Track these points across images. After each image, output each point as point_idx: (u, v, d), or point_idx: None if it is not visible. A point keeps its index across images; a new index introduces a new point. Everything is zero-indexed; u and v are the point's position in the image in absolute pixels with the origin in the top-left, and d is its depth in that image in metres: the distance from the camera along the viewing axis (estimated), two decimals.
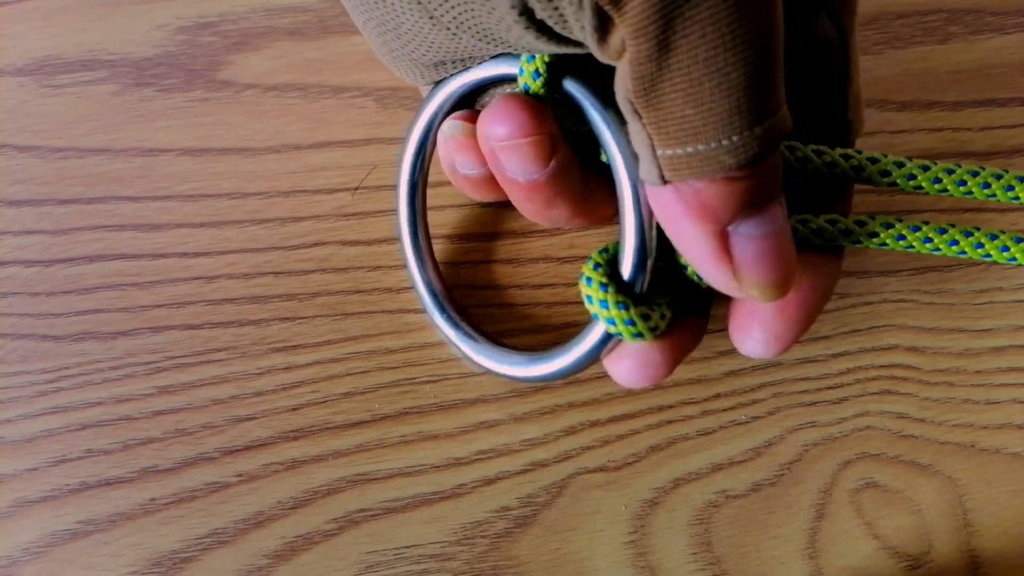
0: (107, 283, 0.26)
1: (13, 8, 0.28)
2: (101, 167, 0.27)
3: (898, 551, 0.26)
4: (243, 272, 0.26)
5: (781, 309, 0.20)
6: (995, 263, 0.22)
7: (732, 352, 0.27)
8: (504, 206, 0.26)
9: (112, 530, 0.25)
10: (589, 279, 0.20)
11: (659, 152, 0.16)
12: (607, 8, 0.15)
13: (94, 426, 0.25)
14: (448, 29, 0.18)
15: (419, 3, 0.18)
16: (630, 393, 0.26)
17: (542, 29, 0.17)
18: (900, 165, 0.21)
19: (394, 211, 0.25)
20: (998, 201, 0.21)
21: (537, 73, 0.19)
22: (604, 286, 0.20)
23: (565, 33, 0.17)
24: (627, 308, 0.20)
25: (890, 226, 0.21)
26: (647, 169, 0.17)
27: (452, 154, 0.21)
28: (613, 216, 0.21)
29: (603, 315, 0.20)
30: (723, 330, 0.27)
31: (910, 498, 0.26)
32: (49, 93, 0.27)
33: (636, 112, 0.16)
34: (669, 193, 0.17)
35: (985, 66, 0.30)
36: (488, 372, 0.24)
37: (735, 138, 0.16)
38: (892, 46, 0.30)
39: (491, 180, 0.21)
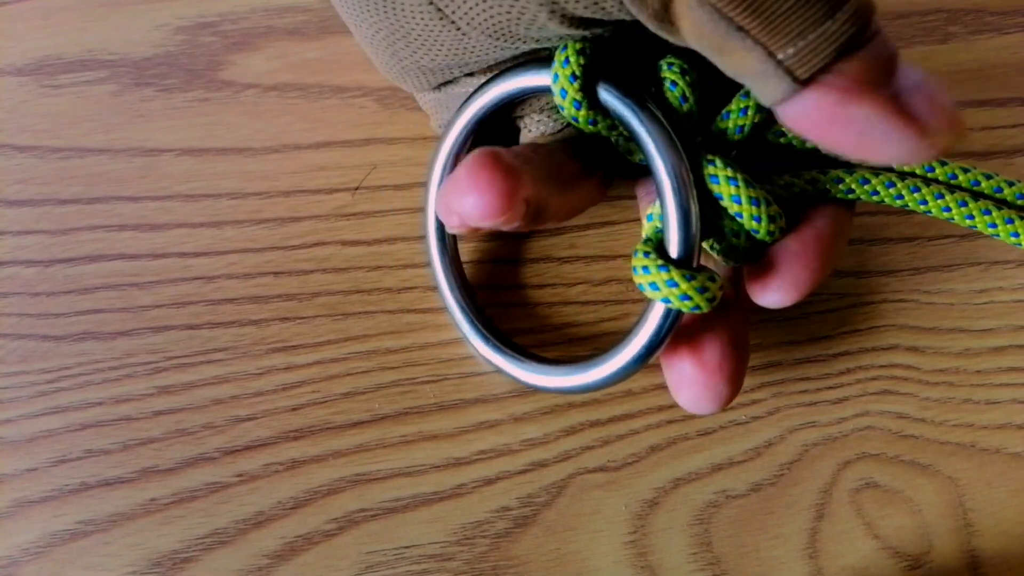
0: (107, 283, 0.26)
1: (13, 8, 0.28)
2: (101, 167, 0.27)
3: (898, 551, 0.26)
4: (243, 272, 0.26)
5: (800, 256, 0.20)
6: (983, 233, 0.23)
7: None
8: None
9: (112, 530, 0.25)
10: (646, 268, 0.20)
11: (781, 56, 0.16)
12: None
13: (94, 426, 0.25)
14: (459, 29, 0.18)
15: (431, 3, 0.18)
16: (630, 393, 0.26)
17: (566, 14, 0.16)
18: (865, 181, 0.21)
19: (424, 235, 0.25)
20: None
21: (574, 76, 0.19)
22: (663, 267, 0.20)
23: (598, 15, 0.16)
24: (692, 279, 0.20)
25: (878, 174, 0.22)
26: (775, 85, 0.16)
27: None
28: (601, 196, 0.22)
29: (668, 293, 0.20)
30: None
31: (910, 498, 0.26)
32: (49, 93, 0.27)
33: (740, 28, 0.16)
34: (813, 96, 0.16)
35: (985, 66, 0.29)
36: (539, 389, 0.24)
37: (840, 13, 0.15)
38: None
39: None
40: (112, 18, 0.28)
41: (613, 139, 0.21)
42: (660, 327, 0.21)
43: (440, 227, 0.24)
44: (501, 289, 0.27)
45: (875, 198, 0.22)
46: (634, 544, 0.25)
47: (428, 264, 0.25)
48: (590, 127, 0.21)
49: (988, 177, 0.23)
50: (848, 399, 0.27)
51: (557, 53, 0.19)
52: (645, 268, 0.20)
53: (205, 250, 0.27)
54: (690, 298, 0.20)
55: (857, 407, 0.27)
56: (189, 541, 0.25)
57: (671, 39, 0.17)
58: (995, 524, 0.26)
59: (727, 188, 0.20)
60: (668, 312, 0.20)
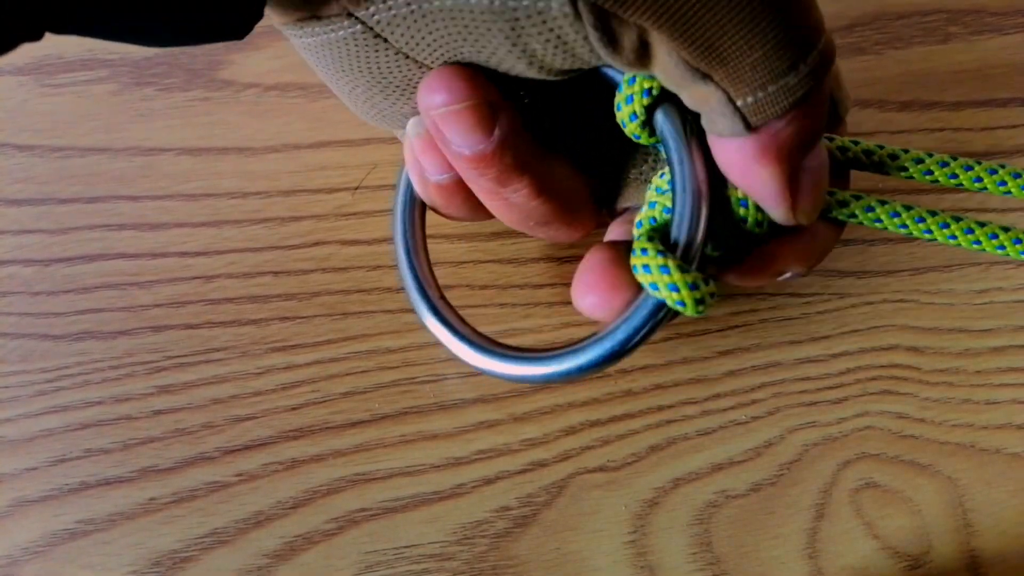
0: (107, 282, 0.26)
1: None
2: (101, 166, 0.27)
3: (898, 551, 0.26)
4: (243, 272, 0.26)
5: (797, 255, 0.21)
6: (982, 251, 0.22)
7: (732, 352, 0.27)
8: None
9: (112, 529, 0.25)
10: (645, 249, 0.20)
11: (739, 103, 0.16)
12: (610, 7, 0.15)
13: (94, 425, 0.25)
14: None
15: (407, 56, 0.18)
16: (630, 393, 0.26)
17: (533, 60, 0.17)
18: (894, 157, 0.21)
19: (392, 209, 0.24)
20: (988, 193, 0.21)
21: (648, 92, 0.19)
22: (662, 252, 0.19)
23: (571, 64, 0.17)
24: (687, 274, 0.19)
25: (884, 203, 0.21)
26: (727, 124, 0.17)
27: (419, 157, 0.21)
28: (594, 225, 0.21)
29: (664, 281, 0.19)
30: (723, 330, 0.27)
31: (910, 498, 0.26)
32: (49, 92, 0.27)
33: (705, 75, 0.16)
34: (748, 142, 0.17)
35: (985, 66, 0.29)
36: (520, 380, 0.22)
37: (803, 65, 0.16)
38: (892, 46, 0.30)
39: (461, 187, 0.21)
40: None
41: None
42: (644, 322, 0.20)
43: (407, 206, 0.23)
44: (501, 289, 0.27)
45: (878, 225, 0.22)
46: (634, 544, 0.25)
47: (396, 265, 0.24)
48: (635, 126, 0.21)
49: (992, 172, 0.22)
50: (848, 399, 0.27)
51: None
52: (644, 250, 0.20)
53: (205, 249, 0.27)
54: (684, 304, 0.19)
55: (857, 407, 0.27)
56: (189, 540, 0.25)
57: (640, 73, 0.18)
58: (995, 524, 0.26)
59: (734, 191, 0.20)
60: (659, 309, 0.20)
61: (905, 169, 0.22)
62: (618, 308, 0.20)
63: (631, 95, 0.19)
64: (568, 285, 0.27)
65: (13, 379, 0.25)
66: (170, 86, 0.27)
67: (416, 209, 0.24)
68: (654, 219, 0.21)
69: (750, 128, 0.17)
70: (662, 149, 0.20)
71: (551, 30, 0.16)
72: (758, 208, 0.20)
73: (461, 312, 0.27)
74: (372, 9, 0.17)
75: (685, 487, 0.26)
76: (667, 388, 0.27)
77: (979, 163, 0.22)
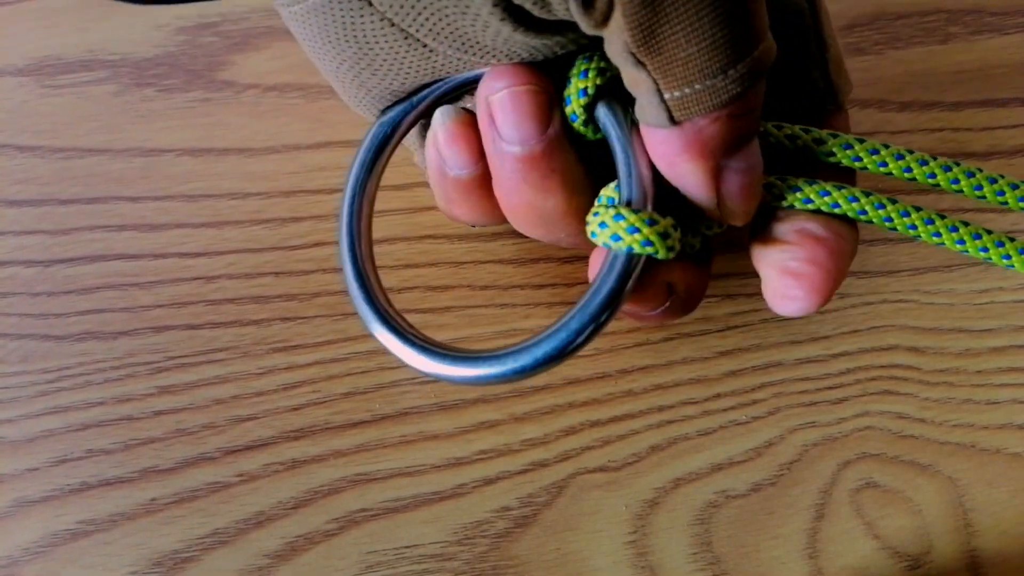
0: (108, 283, 0.26)
1: (13, 8, 0.28)
2: (101, 167, 0.27)
3: (898, 551, 0.26)
4: (244, 272, 0.26)
5: (819, 264, 0.20)
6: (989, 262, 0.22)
7: (732, 352, 0.27)
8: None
9: (113, 530, 0.25)
10: (596, 212, 0.20)
11: (667, 95, 0.17)
12: None
13: (95, 426, 0.25)
14: (425, 45, 0.18)
15: (392, 24, 0.18)
16: (630, 393, 0.26)
17: (519, 18, 0.17)
18: (900, 157, 0.21)
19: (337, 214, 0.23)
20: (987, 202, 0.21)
21: (584, 93, 0.19)
22: (612, 199, 0.19)
23: (544, 14, 0.17)
24: (648, 217, 0.19)
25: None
26: (654, 113, 0.17)
27: (442, 149, 0.20)
28: None
29: (620, 227, 0.19)
30: (723, 330, 0.27)
31: (910, 498, 0.26)
32: (49, 93, 0.27)
33: (640, 62, 0.16)
34: (673, 134, 0.17)
35: (985, 66, 0.30)
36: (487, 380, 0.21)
37: (733, 70, 0.16)
38: (892, 46, 0.30)
39: (483, 184, 0.20)
40: (112, 18, 0.28)
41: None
42: (620, 276, 0.19)
43: (352, 211, 0.22)
44: (502, 289, 0.27)
45: (887, 224, 0.21)
46: (634, 544, 0.26)
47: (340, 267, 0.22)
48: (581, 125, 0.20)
49: (992, 181, 0.22)
50: (848, 399, 0.27)
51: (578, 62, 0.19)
52: (603, 224, 0.19)
53: (205, 250, 0.27)
54: (652, 243, 0.19)
55: (857, 407, 0.27)
56: (190, 541, 0.25)
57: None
58: (995, 524, 0.26)
59: None
60: (629, 260, 0.19)
61: (832, 154, 0.21)
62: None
63: (568, 96, 0.19)
64: (568, 285, 0.27)
65: (14, 380, 0.25)
66: (170, 87, 0.27)
67: (363, 220, 0.22)
68: (611, 198, 0.20)
69: (674, 121, 0.17)
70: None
71: None
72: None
73: (461, 312, 0.27)
74: None
75: (685, 487, 0.26)
76: (667, 388, 0.27)
77: (910, 153, 0.21)
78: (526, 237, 0.27)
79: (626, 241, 0.19)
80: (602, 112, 0.20)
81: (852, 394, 0.27)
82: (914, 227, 0.21)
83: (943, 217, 0.21)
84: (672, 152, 0.18)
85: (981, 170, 0.21)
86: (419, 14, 0.17)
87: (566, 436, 0.26)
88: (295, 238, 0.27)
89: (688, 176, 0.18)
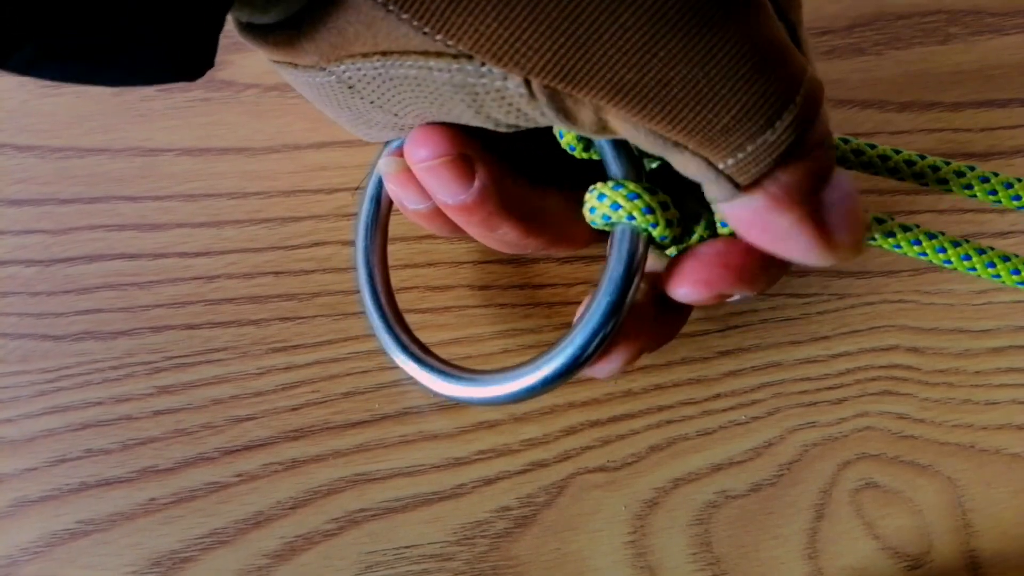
0: (107, 283, 0.26)
1: None
2: (101, 167, 0.27)
3: (898, 551, 0.26)
4: (243, 272, 0.26)
5: (722, 256, 0.20)
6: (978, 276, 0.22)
7: (732, 352, 0.27)
8: None
9: (112, 530, 0.25)
10: (592, 188, 0.20)
11: (722, 167, 0.16)
12: (562, 88, 0.15)
13: (94, 426, 0.25)
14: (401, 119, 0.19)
15: (381, 108, 0.18)
16: (630, 393, 0.26)
17: (499, 123, 0.17)
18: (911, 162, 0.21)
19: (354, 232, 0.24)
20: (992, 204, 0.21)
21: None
22: (618, 185, 0.19)
23: (525, 123, 0.17)
24: (654, 192, 0.19)
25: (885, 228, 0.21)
26: (717, 189, 0.17)
27: (396, 190, 0.21)
28: (588, 240, 0.21)
29: (620, 195, 0.19)
30: (723, 330, 0.27)
31: (910, 498, 0.26)
32: (49, 93, 0.27)
33: (677, 144, 0.16)
34: (752, 201, 0.17)
35: (985, 67, 0.30)
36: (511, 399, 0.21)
37: (779, 121, 0.15)
38: (892, 47, 0.30)
39: (441, 213, 0.21)
40: None
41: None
42: (630, 256, 0.19)
43: (371, 220, 0.23)
44: (501, 289, 0.27)
45: (898, 250, 0.21)
46: (634, 544, 0.25)
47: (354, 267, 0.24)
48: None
49: (984, 180, 0.22)
50: (848, 399, 0.27)
51: None
52: (601, 195, 0.19)
53: (205, 250, 0.27)
54: (653, 210, 0.19)
55: (857, 407, 0.27)
56: (189, 541, 0.25)
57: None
58: (995, 524, 0.26)
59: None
60: (634, 239, 0.19)
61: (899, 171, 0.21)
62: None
63: (561, 130, 0.20)
64: (568, 285, 0.27)
65: (13, 379, 0.25)
66: (170, 87, 0.27)
67: (379, 232, 0.23)
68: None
69: (740, 188, 0.16)
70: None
71: (510, 104, 0.16)
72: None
73: (462, 313, 0.27)
74: (343, 67, 0.17)
75: (685, 487, 0.26)
76: (667, 388, 0.27)
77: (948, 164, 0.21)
78: None
79: (626, 209, 0.19)
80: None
81: (852, 394, 0.27)
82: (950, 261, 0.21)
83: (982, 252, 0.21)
84: (758, 219, 0.17)
85: (973, 168, 0.21)
86: (404, 107, 0.18)
87: (566, 436, 0.26)
88: (295, 238, 0.27)
89: (789, 232, 0.17)
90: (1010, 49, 0.30)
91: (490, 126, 0.18)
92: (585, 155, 0.20)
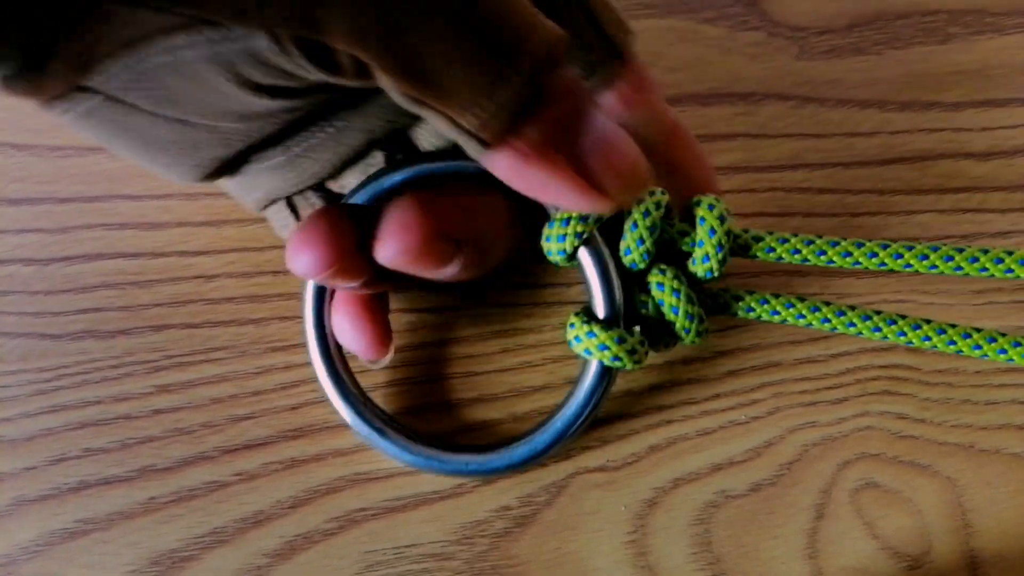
0: (106, 282, 0.26)
1: None
2: (100, 165, 0.27)
3: (898, 551, 0.26)
4: (243, 271, 0.26)
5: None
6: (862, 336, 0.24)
7: (732, 352, 0.27)
8: None
9: (111, 529, 0.25)
10: (572, 324, 0.23)
11: (464, 123, 0.16)
12: (312, 36, 0.15)
13: (93, 425, 0.25)
14: (185, 123, 0.19)
15: (164, 120, 0.18)
16: (630, 393, 0.26)
17: (271, 91, 0.17)
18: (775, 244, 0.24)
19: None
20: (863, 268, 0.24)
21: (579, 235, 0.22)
22: (587, 321, 0.23)
23: (292, 83, 0.17)
24: (618, 336, 0.22)
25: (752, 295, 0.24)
26: (469, 146, 0.17)
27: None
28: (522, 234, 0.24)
29: (593, 344, 0.22)
30: (723, 330, 0.27)
31: (910, 498, 0.26)
32: None
33: (421, 101, 0.16)
34: (499, 157, 0.17)
35: (985, 67, 0.30)
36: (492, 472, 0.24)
37: (515, 77, 0.16)
38: (892, 46, 0.30)
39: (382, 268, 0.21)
40: None
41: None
42: (595, 384, 0.23)
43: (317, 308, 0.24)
44: (501, 289, 0.27)
45: (776, 318, 0.24)
46: (634, 544, 0.25)
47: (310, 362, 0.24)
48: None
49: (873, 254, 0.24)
50: (848, 399, 0.27)
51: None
52: (577, 338, 0.23)
53: (205, 249, 0.26)
54: (620, 359, 0.22)
55: (857, 407, 0.27)
56: (188, 540, 0.25)
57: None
58: (995, 524, 0.26)
59: (669, 298, 0.23)
60: (602, 370, 0.23)
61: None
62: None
63: (560, 248, 0.22)
64: (568, 285, 0.27)
65: (12, 378, 0.25)
66: None
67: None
68: (584, 305, 0.24)
69: (488, 145, 0.16)
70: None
71: (266, 64, 0.16)
72: (686, 316, 0.23)
73: (462, 313, 0.27)
74: (100, 77, 0.17)
75: (685, 487, 0.26)
76: (667, 388, 0.27)
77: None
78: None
79: (596, 356, 0.23)
80: (582, 252, 0.22)
81: (852, 394, 0.27)
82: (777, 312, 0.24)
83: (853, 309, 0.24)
84: (514, 172, 0.17)
85: (869, 240, 0.24)
86: (177, 103, 0.18)
87: None
88: None
89: (548, 182, 0.17)
90: (1010, 49, 0.30)
91: (267, 99, 0.17)
92: (567, 265, 0.23)
